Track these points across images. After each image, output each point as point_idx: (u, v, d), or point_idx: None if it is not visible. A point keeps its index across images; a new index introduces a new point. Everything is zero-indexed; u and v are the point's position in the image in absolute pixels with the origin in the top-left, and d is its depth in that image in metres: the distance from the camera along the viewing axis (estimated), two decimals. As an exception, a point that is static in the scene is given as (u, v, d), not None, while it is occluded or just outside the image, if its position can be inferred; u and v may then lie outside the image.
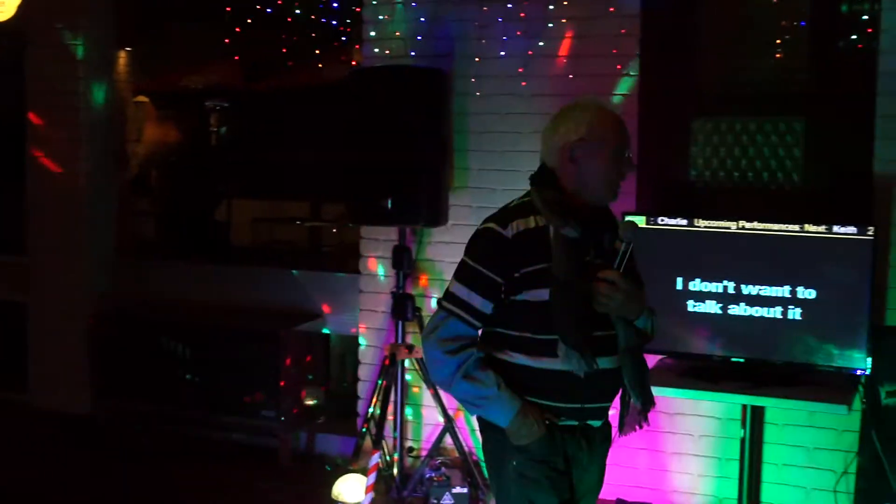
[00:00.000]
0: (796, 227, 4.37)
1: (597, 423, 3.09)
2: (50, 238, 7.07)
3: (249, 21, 6.63)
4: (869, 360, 4.29)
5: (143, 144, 7.95)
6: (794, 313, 4.39)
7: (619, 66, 5.21)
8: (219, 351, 6.26)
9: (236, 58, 7.31)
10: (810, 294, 4.37)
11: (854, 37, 4.89)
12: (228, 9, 6.58)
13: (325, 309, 6.44)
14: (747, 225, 4.45)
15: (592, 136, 3.01)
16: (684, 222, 4.55)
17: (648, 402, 3.12)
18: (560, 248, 2.93)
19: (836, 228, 4.31)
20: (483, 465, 5.56)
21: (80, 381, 6.83)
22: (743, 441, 4.53)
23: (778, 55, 5.08)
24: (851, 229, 4.29)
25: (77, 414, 6.80)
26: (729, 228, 4.48)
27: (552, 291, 2.92)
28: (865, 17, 4.82)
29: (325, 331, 6.50)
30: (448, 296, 3.05)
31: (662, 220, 4.57)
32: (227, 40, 6.93)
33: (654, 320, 3.11)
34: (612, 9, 5.20)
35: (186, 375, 6.31)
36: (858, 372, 4.34)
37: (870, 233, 4.26)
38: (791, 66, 5.09)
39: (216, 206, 7.89)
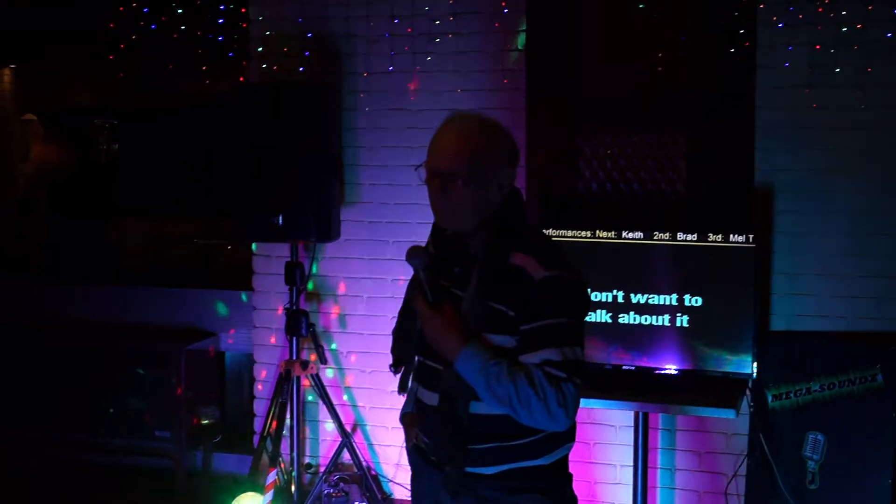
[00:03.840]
0: (681, 237, 4.47)
1: (474, 470, 2.76)
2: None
3: (134, 37, 6.52)
4: (755, 364, 4.40)
5: (30, 163, 7.80)
6: (682, 321, 4.48)
7: (505, 81, 5.27)
8: (111, 372, 6.14)
9: (124, 75, 7.20)
10: (696, 301, 4.46)
11: (732, 50, 5.01)
12: (112, 24, 6.47)
13: (220, 327, 6.37)
14: (633, 235, 4.53)
15: None
16: (571, 234, 4.61)
17: (451, 458, 2.76)
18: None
19: (718, 237, 4.41)
20: (382, 479, 5.57)
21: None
22: (634, 447, 4.60)
23: (660, 68, 5.17)
24: (733, 238, 4.39)
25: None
26: (616, 239, 4.55)
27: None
28: (742, 31, 4.93)
29: (220, 349, 6.43)
30: None
31: (548, 233, 4.61)
32: (111, 57, 6.82)
33: (503, 379, 2.60)
34: (497, 24, 5.25)
35: (77, 398, 6.17)
36: (745, 376, 4.44)
37: (750, 240, 4.37)
38: (673, 79, 5.18)
39: (107, 225, 7.77)
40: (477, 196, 2.73)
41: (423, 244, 2.91)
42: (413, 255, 2.78)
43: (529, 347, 2.64)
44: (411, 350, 2.92)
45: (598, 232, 4.57)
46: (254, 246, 5.83)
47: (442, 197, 2.76)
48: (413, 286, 2.93)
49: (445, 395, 2.75)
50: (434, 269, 2.78)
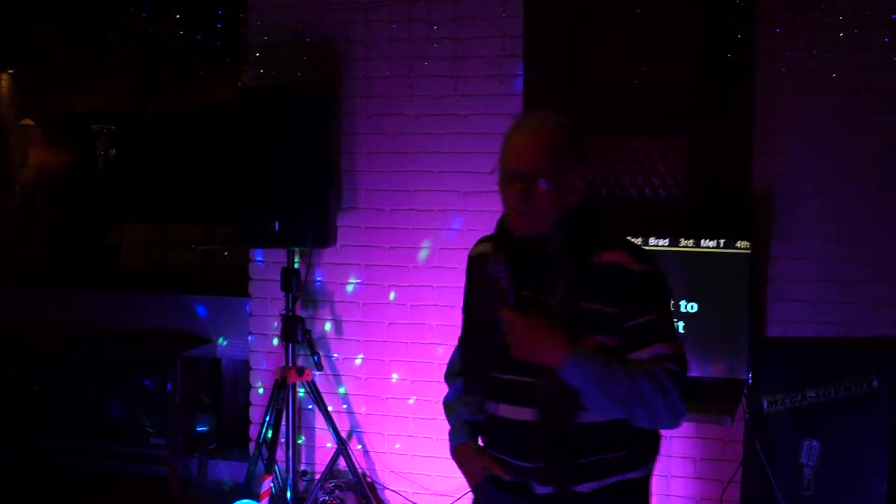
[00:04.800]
0: (678, 243, 4.46)
1: (541, 489, 2.67)
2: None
3: (133, 43, 6.53)
4: (751, 371, 4.39)
5: (28, 168, 7.80)
6: (678, 327, 4.47)
7: (503, 86, 5.26)
8: (107, 378, 6.13)
9: (121, 80, 7.21)
10: (692, 308, 4.45)
11: (730, 56, 5.00)
12: (110, 30, 6.48)
13: (216, 333, 6.36)
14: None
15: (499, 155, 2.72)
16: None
17: (556, 476, 2.65)
18: (478, 278, 2.76)
19: (715, 243, 4.41)
20: (378, 486, 5.55)
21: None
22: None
23: (657, 75, 5.16)
24: (730, 244, 4.39)
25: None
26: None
27: (463, 322, 2.85)
28: (740, 36, 4.93)
29: (217, 355, 6.42)
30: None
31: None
32: (111, 62, 6.84)
33: (619, 378, 2.50)
34: (495, 29, 5.25)
35: (73, 403, 6.16)
36: (741, 383, 4.43)
37: (747, 247, 4.37)
38: (670, 85, 5.17)
39: (105, 231, 7.77)
40: (557, 197, 2.62)
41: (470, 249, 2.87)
42: (494, 262, 2.66)
43: (638, 344, 2.56)
44: (485, 369, 2.73)
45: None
46: (255, 252, 5.82)
47: (524, 199, 2.61)
48: (481, 300, 2.75)
49: (545, 408, 2.61)
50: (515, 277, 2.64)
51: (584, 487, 2.63)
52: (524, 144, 2.65)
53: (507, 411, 2.70)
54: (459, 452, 2.89)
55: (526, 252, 2.67)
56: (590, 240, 2.65)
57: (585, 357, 2.53)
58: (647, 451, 2.74)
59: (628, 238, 2.80)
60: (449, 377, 3.04)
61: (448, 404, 2.98)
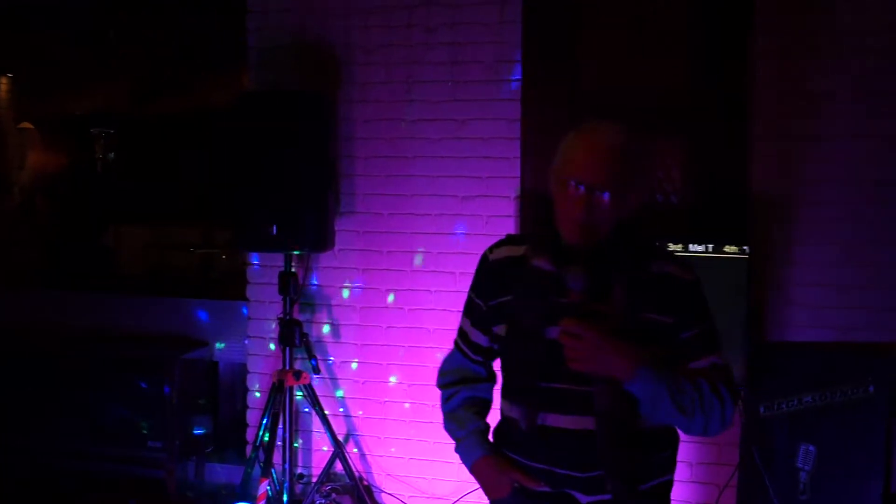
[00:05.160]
0: (674, 247, 4.46)
1: (586, 499, 2.69)
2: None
3: (134, 46, 6.55)
4: (747, 374, 4.39)
5: (27, 171, 7.81)
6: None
7: (501, 91, 5.27)
8: (104, 380, 6.13)
9: (121, 83, 7.22)
10: (689, 312, 4.44)
11: (729, 57, 5.00)
12: (110, 33, 6.50)
13: (213, 337, 6.37)
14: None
15: (557, 161, 2.68)
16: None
17: (618, 488, 2.66)
18: (523, 281, 2.70)
19: (712, 247, 4.41)
20: (374, 489, 5.55)
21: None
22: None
23: (656, 77, 5.16)
24: (727, 248, 4.39)
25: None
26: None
27: (506, 328, 2.75)
28: (739, 37, 4.93)
29: (214, 359, 6.42)
30: (458, 328, 2.96)
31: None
32: (111, 64, 6.85)
33: (686, 389, 2.54)
34: (493, 35, 5.26)
35: (70, 406, 6.16)
36: (738, 387, 4.43)
37: (744, 251, 4.37)
38: (668, 87, 5.18)
39: (103, 233, 7.78)
40: (618, 208, 2.59)
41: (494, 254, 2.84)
42: (570, 273, 2.58)
43: (696, 354, 2.61)
44: (529, 378, 2.69)
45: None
46: (253, 255, 5.82)
47: (587, 209, 2.57)
48: (528, 306, 2.69)
49: (605, 416, 2.60)
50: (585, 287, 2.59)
51: (642, 488, 2.69)
52: (594, 156, 2.59)
53: (559, 421, 2.67)
54: (482, 466, 2.84)
55: (577, 259, 2.62)
56: (642, 250, 2.68)
57: (655, 368, 2.53)
58: (675, 453, 2.82)
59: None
60: (446, 385, 2.98)
61: (453, 414, 2.93)
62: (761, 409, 4.64)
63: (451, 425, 2.93)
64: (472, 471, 2.87)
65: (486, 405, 2.97)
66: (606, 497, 2.66)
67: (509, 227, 5.16)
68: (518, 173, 5.24)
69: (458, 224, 5.35)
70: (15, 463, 6.26)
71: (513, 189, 5.25)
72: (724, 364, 2.63)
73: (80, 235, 7.72)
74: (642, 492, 2.69)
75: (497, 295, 2.78)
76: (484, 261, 2.85)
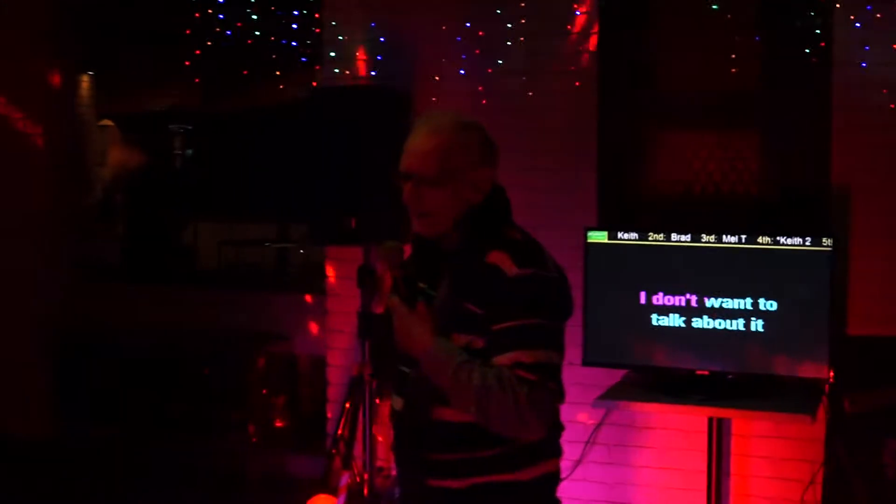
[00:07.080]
0: (755, 240, 4.40)
1: (438, 483, 2.61)
2: (16, 260, 7.00)
3: (210, 43, 6.61)
4: (832, 369, 4.32)
5: (107, 168, 7.93)
6: (757, 325, 4.41)
7: (577, 84, 5.24)
8: (187, 374, 6.23)
9: (198, 80, 7.30)
10: (771, 306, 4.38)
11: (808, 50, 4.93)
12: (188, 31, 6.56)
13: (293, 330, 6.42)
14: (706, 238, 4.46)
15: None
16: (637, 236, 4.56)
17: (409, 470, 2.70)
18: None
19: (794, 240, 4.34)
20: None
21: (44, 406, 6.77)
22: (708, 453, 4.54)
23: (733, 70, 5.11)
24: (809, 241, 4.31)
25: (39, 439, 6.74)
26: (688, 242, 4.49)
27: None
28: (818, 31, 4.86)
29: (294, 352, 6.48)
30: None
31: (622, 236, 4.58)
32: (187, 63, 6.92)
33: (473, 379, 2.45)
34: (569, 26, 5.23)
35: (154, 399, 6.27)
36: (822, 381, 4.37)
37: (827, 244, 4.30)
38: (747, 79, 5.12)
39: (182, 229, 7.87)
40: (450, 197, 2.60)
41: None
42: (385, 253, 2.67)
43: (500, 349, 2.48)
44: (390, 356, 2.72)
45: (671, 235, 4.51)
46: (330, 249, 5.85)
47: (414, 199, 2.63)
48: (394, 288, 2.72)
49: (409, 400, 2.63)
50: (412, 270, 2.68)
51: (449, 484, 2.58)
52: (412, 144, 2.66)
53: (394, 400, 2.74)
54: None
55: (424, 248, 2.70)
56: (483, 240, 2.59)
57: (445, 352, 2.50)
58: (529, 452, 2.59)
59: (534, 239, 2.68)
60: None
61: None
62: (847, 404, 4.56)
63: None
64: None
65: None
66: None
67: (588, 220, 5.11)
68: (594, 164, 5.22)
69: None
70: (106, 453, 6.37)
71: (590, 182, 5.23)
72: (531, 362, 2.45)
73: (159, 231, 7.83)
74: (453, 489, 2.58)
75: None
76: None
